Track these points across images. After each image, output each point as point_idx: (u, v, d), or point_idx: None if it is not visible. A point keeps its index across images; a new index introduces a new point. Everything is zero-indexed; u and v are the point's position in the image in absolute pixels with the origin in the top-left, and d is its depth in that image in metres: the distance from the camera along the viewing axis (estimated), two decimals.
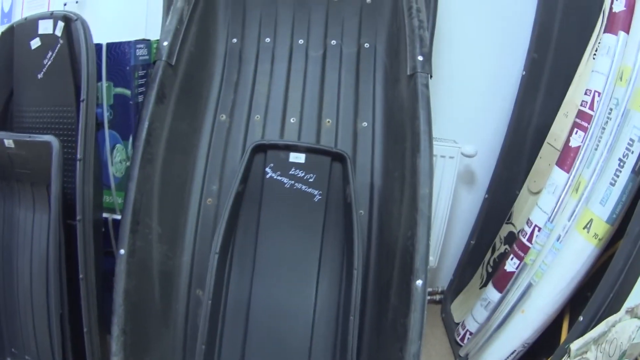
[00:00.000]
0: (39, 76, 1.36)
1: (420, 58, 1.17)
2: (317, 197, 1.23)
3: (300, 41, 1.37)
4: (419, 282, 0.99)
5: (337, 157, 1.22)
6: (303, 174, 1.23)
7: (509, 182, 1.58)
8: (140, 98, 1.32)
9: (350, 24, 1.36)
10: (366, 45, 1.36)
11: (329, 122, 1.32)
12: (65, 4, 1.57)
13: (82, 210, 1.22)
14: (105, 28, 1.59)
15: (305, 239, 1.23)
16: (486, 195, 1.63)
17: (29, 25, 1.37)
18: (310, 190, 1.23)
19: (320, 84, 1.34)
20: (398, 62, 1.26)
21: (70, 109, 1.33)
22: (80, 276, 1.19)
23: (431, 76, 1.17)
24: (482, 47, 1.55)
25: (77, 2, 1.61)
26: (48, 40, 1.34)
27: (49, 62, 1.35)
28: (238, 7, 1.39)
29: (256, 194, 1.24)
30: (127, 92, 1.30)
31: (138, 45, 1.29)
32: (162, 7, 1.33)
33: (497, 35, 1.55)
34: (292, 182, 1.23)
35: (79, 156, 1.23)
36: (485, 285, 1.61)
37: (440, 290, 1.79)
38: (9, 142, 1.29)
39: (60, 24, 1.32)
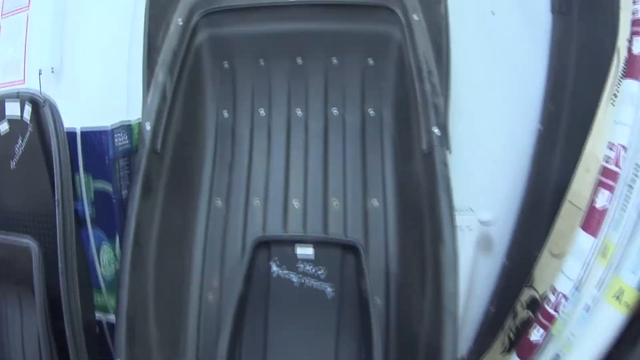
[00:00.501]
0: (12, 165, 1.28)
1: (436, 131, 1.09)
2: (330, 294, 1.14)
3: (299, 112, 1.25)
4: None
5: (349, 248, 1.10)
6: (312, 269, 1.13)
7: (529, 245, 1.50)
8: (124, 191, 1.19)
9: (352, 89, 1.26)
10: (371, 112, 1.25)
11: (336, 203, 1.21)
12: (40, 72, 1.43)
13: (71, 323, 1.16)
14: (84, 98, 1.47)
15: (319, 341, 1.15)
16: (505, 261, 1.53)
17: None
18: (321, 286, 1.13)
19: (323, 160, 1.23)
20: (409, 132, 1.16)
21: (47, 201, 1.22)
22: None
23: (450, 151, 1.08)
24: (495, 104, 1.45)
25: (52, 71, 1.45)
26: (17, 125, 1.25)
27: (21, 150, 1.26)
28: (227, 77, 1.27)
29: (262, 294, 1.15)
30: (109, 187, 1.18)
31: (116, 134, 1.15)
32: (141, 79, 1.16)
33: (509, 89, 1.48)
34: (301, 278, 1.13)
35: (60, 267, 1.15)
36: (507, 351, 1.51)
37: (460, 358, 1.69)
38: None
39: (28, 108, 1.23)
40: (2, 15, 1.74)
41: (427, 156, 1.09)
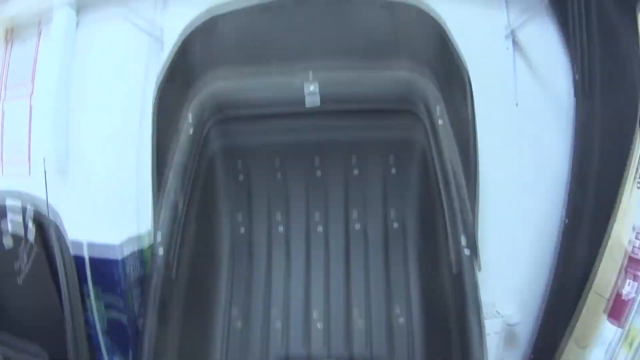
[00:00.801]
0: (19, 281, 1.24)
1: (467, 252, 1.06)
2: None
3: (319, 228, 1.22)
4: None
5: None
6: None
7: (555, 338, 1.48)
8: (140, 319, 1.14)
9: (374, 201, 1.23)
10: (395, 225, 1.21)
11: (360, 321, 1.16)
12: (45, 172, 1.37)
13: None
14: (91, 201, 1.41)
15: None
16: (532, 356, 1.49)
17: None
18: None
19: (345, 277, 1.21)
20: (436, 248, 1.13)
21: (57, 325, 1.18)
22: None
23: (480, 268, 1.07)
24: (518, 197, 1.43)
25: (58, 170, 1.40)
26: (21, 242, 1.22)
27: (27, 269, 1.23)
28: (242, 191, 1.24)
29: None
30: (124, 317, 1.13)
31: (127, 262, 1.11)
32: (151, 192, 1.11)
33: (534, 184, 1.44)
34: None
35: None
36: None
37: None
38: None
39: (31, 227, 1.21)
40: (4, 100, 1.68)
41: (456, 277, 1.06)
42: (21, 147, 1.63)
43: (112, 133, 1.43)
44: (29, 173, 1.57)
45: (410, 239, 1.21)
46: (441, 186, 1.11)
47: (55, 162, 1.46)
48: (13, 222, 1.21)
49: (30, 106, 1.61)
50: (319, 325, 1.20)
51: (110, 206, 1.39)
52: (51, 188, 1.35)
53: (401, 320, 1.20)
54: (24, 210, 1.21)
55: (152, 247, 1.10)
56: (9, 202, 1.25)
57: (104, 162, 1.44)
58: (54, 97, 1.47)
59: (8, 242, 1.22)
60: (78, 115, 1.46)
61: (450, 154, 1.13)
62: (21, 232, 1.20)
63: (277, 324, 1.22)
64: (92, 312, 1.16)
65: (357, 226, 1.23)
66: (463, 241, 1.06)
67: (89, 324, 1.18)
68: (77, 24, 1.53)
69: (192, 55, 1.23)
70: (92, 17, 1.50)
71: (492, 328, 1.32)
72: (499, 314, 1.37)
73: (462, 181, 1.11)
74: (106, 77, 1.45)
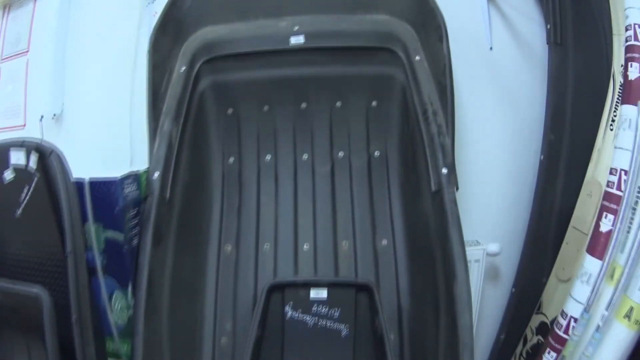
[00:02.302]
0: (17, 214, 1.29)
1: (444, 171, 1.16)
2: (344, 333, 1.23)
3: (305, 156, 1.34)
4: None
5: (363, 288, 1.17)
6: (327, 310, 1.21)
7: (536, 272, 1.62)
8: (135, 240, 1.25)
9: (357, 131, 1.36)
10: (376, 154, 1.35)
11: (345, 244, 1.30)
12: (41, 118, 1.47)
13: None
14: (86, 145, 1.53)
15: None
16: (513, 289, 1.62)
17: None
18: (336, 326, 1.22)
19: (331, 202, 1.33)
20: (416, 172, 1.26)
21: (55, 250, 1.26)
22: None
23: (457, 188, 1.17)
24: (496, 137, 1.60)
25: (54, 116, 1.51)
26: (22, 173, 1.27)
27: (26, 199, 1.28)
28: (232, 124, 1.37)
29: (277, 337, 1.24)
30: (120, 236, 1.24)
31: (125, 183, 1.22)
32: (147, 128, 1.22)
33: (510, 122, 1.61)
34: (316, 320, 1.22)
35: (73, 316, 1.17)
36: None
37: None
38: None
39: (34, 157, 1.25)
40: (1, 59, 1.80)
41: (435, 195, 1.17)
42: (16, 102, 1.74)
43: (106, 80, 1.55)
44: (25, 125, 1.69)
45: (392, 167, 1.34)
46: (419, 116, 1.24)
47: (51, 109, 1.57)
48: (14, 155, 1.28)
49: (27, 62, 1.72)
50: (306, 248, 1.32)
51: (105, 150, 1.51)
52: (47, 135, 1.45)
53: (385, 242, 1.32)
54: (25, 144, 1.27)
55: (148, 171, 1.22)
56: (11, 140, 1.34)
57: (99, 108, 1.56)
58: (51, 47, 1.59)
59: (9, 175, 1.29)
60: (73, 65, 1.59)
61: (427, 87, 1.26)
62: (22, 163, 1.26)
63: (267, 249, 1.33)
64: (90, 234, 1.26)
65: (341, 154, 1.37)
66: (441, 162, 1.17)
67: (87, 248, 1.27)
68: None
69: (182, 9, 1.37)
70: None
71: (473, 256, 1.43)
72: (479, 242, 1.48)
73: (439, 110, 1.24)
74: (99, 25, 1.59)
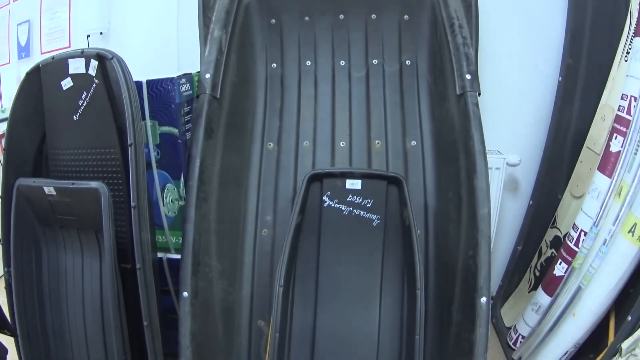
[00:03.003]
0: (75, 118, 1.41)
1: (468, 77, 1.31)
2: (376, 222, 1.35)
3: (342, 62, 1.48)
4: (484, 300, 1.14)
5: (393, 181, 1.32)
6: (360, 200, 1.34)
7: (552, 188, 1.75)
8: (188, 134, 1.39)
9: (390, 41, 1.50)
10: (407, 62, 1.49)
11: (378, 143, 1.44)
12: (88, 36, 1.60)
13: (142, 258, 1.30)
14: (134, 59, 1.65)
15: (366, 264, 1.38)
16: (530, 202, 1.78)
17: (57, 65, 1.41)
18: (368, 215, 1.35)
19: (366, 105, 1.47)
20: (443, 79, 1.38)
21: (113, 150, 1.43)
22: (145, 323, 1.28)
23: (480, 94, 1.31)
24: (519, 57, 1.77)
25: (101, 33, 1.64)
26: (81, 80, 1.38)
27: (85, 103, 1.40)
28: (275, 32, 1.51)
29: (315, 224, 1.36)
30: (175, 130, 1.38)
31: (181, 81, 1.36)
32: (198, 36, 1.38)
33: (531, 44, 1.76)
34: (350, 209, 1.35)
35: (132, 203, 1.30)
36: (534, 289, 1.75)
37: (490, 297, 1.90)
38: (49, 190, 1.35)
39: (94, 63, 1.36)
40: None
41: (460, 98, 1.32)
42: (60, 25, 1.87)
43: None
44: (69, 46, 1.81)
45: (421, 74, 1.49)
46: (447, 28, 1.38)
47: (98, 27, 1.70)
48: (73, 64, 1.38)
49: None
50: (343, 145, 1.46)
51: (153, 60, 1.64)
52: None
53: (414, 143, 1.46)
54: (84, 53, 1.36)
55: (200, 72, 1.36)
56: (69, 51, 1.42)
57: (144, 23, 1.69)
58: None
59: (68, 82, 1.39)
60: None
61: (454, 2, 1.41)
62: (82, 70, 1.37)
63: (306, 145, 1.48)
64: (147, 130, 1.39)
65: (375, 61, 1.52)
66: (465, 69, 1.31)
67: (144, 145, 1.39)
68: None
69: None
70: None
71: (494, 164, 1.58)
72: (500, 152, 1.62)
73: (464, 23, 1.38)
74: None
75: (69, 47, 1.82)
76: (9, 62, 2.05)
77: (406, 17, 1.51)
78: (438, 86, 1.45)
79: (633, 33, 1.52)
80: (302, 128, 1.49)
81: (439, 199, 1.44)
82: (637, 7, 1.48)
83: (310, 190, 1.38)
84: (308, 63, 1.53)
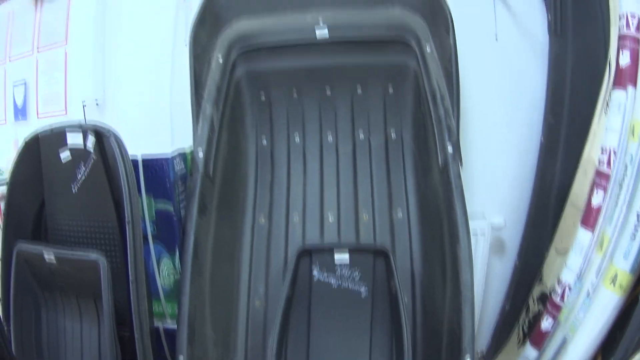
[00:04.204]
0: (74, 190, 1.51)
1: (450, 149, 1.40)
2: (364, 293, 1.47)
3: (330, 138, 1.59)
4: (468, 358, 1.22)
5: (380, 253, 1.43)
6: (349, 272, 1.46)
7: (538, 245, 1.84)
8: (182, 210, 1.49)
9: (376, 114, 1.62)
10: (393, 135, 1.60)
11: (365, 216, 1.54)
12: (84, 105, 1.70)
13: (140, 328, 1.41)
14: (130, 129, 1.75)
15: (355, 334, 1.50)
16: (516, 261, 1.86)
17: (56, 137, 1.50)
18: (356, 287, 1.46)
19: (353, 179, 1.58)
20: (427, 149, 1.49)
21: (110, 224, 1.52)
22: None
23: (462, 164, 1.39)
24: (501, 118, 1.86)
25: (97, 103, 1.75)
26: (79, 154, 1.48)
27: (83, 177, 1.50)
28: (264, 107, 1.63)
29: (305, 296, 1.48)
30: (170, 207, 1.48)
31: (175, 160, 1.46)
32: (190, 112, 1.48)
33: (513, 105, 1.84)
34: (339, 282, 1.46)
35: (131, 277, 1.40)
36: (522, 343, 1.81)
37: (479, 353, 2.00)
38: (49, 257, 1.43)
39: (92, 139, 1.46)
40: (38, 50, 2.02)
41: (443, 170, 1.41)
42: (56, 90, 1.97)
43: (145, 68, 1.79)
44: (65, 111, 1.92)
45: (406, 146, 1.60)
46: (429, 101, 1.47)
47: (93, 95, 1.81)
48: (71, 136, 1.47)
49: (65, 52, 1.95)
50: (331, 218, 1.57)
51: (146, 133, 1.75)
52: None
53: (400, 214, 1.57)
54: (82, 127, 1.47)
55: (193, 151, 1.47)
56: (67, 122, 1.52)
57: (139, 94, 1.79)
58: (90, 39, 1.82)
59: (66, 155, 1.48)
60: (112, 54, 1.82)
61: (437, 75, 1.51)
62: (79, 144, 1.46)
63: (296, 220, 1.59)
64: (143, 205, 1.50)
65: (362, 136, 1.63)
66: (447, 140, 1.40)
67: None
68: None
69: (219, 3, 1.60)
70: None
71: (479, 229, 1.68)
72: (484, 217, 1.72)
73: (446, 95, 1.48)
74: (137, 15, 1.82)
75: (65, 112, 1.93)
76: (5, 122, 2.15)
77: (391, 89, 1.61)
78: (422, 157, 1.56)
79: (612, 85, 1.57)
80: (292, 203, 1.60)
81: (425, 266, 1.54)
82: (615, 57, 1.53)
83: (300, 263, 1.49)
84: (297, 139, 1.64)
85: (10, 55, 2.15)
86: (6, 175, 1.59)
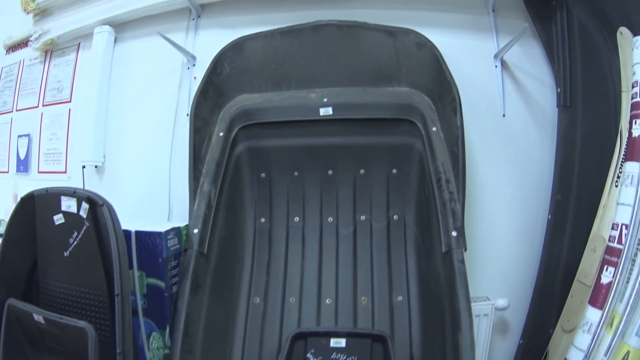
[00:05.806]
0: (66, 254, 1.53)
1: (454, 234, 1.42)
2: None
3: (330, 219, 1.62)
4: None
5: (378, 339, 1.45)
6: (345, 358, 1.44)
7: (543, 323, 1.84)
8: (174, 287, 1.52)
9: (378, 196, 1.63)
10: (395, 217, 1.60)
11: (364, 300, 1.56)
12: (84, 167, 1.74)
13: None
14: (127, 199, 1.79)
15: None
16: (521, 340, 1.86)
17: (51, 199, 1.54)
18: None
19: (352, 261, 1.60)
20: (430, 234, 1.51)
21: (100, 292, 1.53)
22: None
23: (466, 249, 1.41)
24: (508, 197, 1.85)
25: (96, 166, 1.79)
26: (72, 219, 1.50)
27: (75, 243, 1.52)
28: (264, 186, 1.64)
29: None
30: (161, 284, 1.53)
31: (169, 236, 1.49)
32: (187, 188, 1.50)
33: (520, 183, 1.84)
34: None
35: (118, 350, 1.41)
36: None
37: None
38: (38, 318, 1.47)
39: (85, 206, 1.48)
40: (43, 104, 2.08)
41: (445, 255, 1.43)
42: (58, 148, 2.03)
43: (146, 136, 1.84)
44: (66, 172, 1.97)
45: (409, 229, 1.62)
46: (434, 182, 1.50)
47: (93, 159, 1.86)
48: (65, 202, 1.49)
49: (70, 110, 2.01)
50: (329, 302, 1.59)
51: (143, 203, 1.79)
52: (88, 184, 1.71)
53: (400, 298, 1.59)
54: (76, 194, 1.47)
55: (188, 227, 1.50)
56: (63, 188, 1.53)
57: (139, 162, 1.84)
58: (94, 102, 1.87)
59: (59, 219, 1.50)
60: (115, 119, 1.87)
61: (442, 156, 1.53)
62: (73, 210, 1.48)
63: (292, 302, 1.61)
64: (134, 279, 1.52)
65: (363, 218, 1.64)
66: (451, 225, 1.43)
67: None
68: (115, 39, 1.95)
69: (222, 76, 1.65)
70: (130, 34, 1.92)
71: (482, 311, 1.69)
72: (488, 298, 1.73)
73: (452, 177, 1.50)
74: (141, 83, 1.89)
75: (65, 172, 1.99)
76: (7, 172, 2.22)
77: (394, 170, 1.64)
78: (425, 241, 1.58)
79: (624, 156, 1.58)
80: (288, 284, 1.63)
81: (425, 351, 1.55)
82: (627, 128, 1.54)
83: (295, 347, 1.51)
84: (296, 219, 1.67)
85: (17, 106, 2.23)
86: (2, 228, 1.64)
